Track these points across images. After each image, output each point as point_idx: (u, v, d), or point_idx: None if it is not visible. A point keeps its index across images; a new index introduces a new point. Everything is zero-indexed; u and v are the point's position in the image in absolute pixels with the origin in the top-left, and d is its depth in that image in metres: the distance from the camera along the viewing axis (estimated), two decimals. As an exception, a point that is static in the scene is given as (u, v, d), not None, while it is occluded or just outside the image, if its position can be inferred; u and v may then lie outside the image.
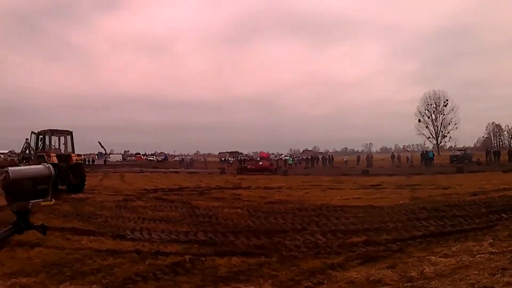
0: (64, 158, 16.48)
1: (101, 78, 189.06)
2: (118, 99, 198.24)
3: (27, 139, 18.78)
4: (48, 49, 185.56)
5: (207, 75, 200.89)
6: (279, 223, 8.47)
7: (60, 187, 16.00)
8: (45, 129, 17.37)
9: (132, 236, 7.24)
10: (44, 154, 15.95)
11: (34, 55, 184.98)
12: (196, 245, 6.53)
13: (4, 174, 1.30)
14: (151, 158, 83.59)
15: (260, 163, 39.20)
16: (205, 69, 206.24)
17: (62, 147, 17.69)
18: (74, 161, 16.69)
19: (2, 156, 50.62)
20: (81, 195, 15.13)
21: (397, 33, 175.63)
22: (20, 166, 18.04)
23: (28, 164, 17.47)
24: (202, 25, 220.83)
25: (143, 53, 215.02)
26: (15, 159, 24.04)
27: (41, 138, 17.44)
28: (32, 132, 17.95)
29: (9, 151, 52.59)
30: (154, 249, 6.12)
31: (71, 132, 17.65)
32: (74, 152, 17.28)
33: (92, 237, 7.08)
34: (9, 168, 1.38)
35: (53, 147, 17.34)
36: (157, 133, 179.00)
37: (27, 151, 19.13)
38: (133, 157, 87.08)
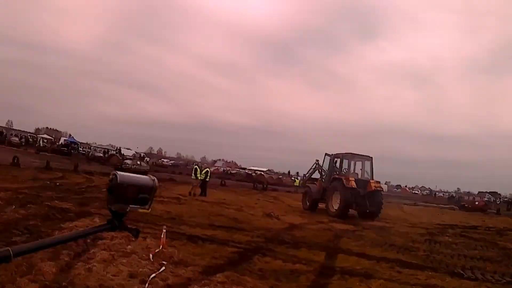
0: (362, 183, 16.22)
1: (361, 107, 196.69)
2: (377, 128, 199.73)
3: (317, 160, 20.01)
4: (312, 77, 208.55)
5: (467, 108, 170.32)
6: None
7: (350, 211, 16.09)
8: (342, 152, 17.83)
9: (468, 275, 6.82)
10: (343, 178, 16.17)
11: (297, 82, 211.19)
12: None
13: (112, 176, 1.08)
14: (416, 192, 78.58)
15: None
16: (466, 102, 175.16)
17: (359, 172, 17.58)
18: (373, 188, 16.18)
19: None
20: (377, 223, 14.56)
21: None
22: (307, 185, 20.47)
23: (317, 185, 18.52)
24: (463, 54, 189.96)
25: (405, 82, 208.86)
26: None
27: (336, 160, 18.02)
28: (327, 154, 18.87)
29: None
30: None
31: (371, 157, 17.34)
32: (373, 178, 16.79)
33: (429, 273, 6.76)
34: (118, 172, 1.04)
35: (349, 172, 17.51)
36: (416, 165, 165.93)
37: (316, 172, 20.33)
38: (398, 189, 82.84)
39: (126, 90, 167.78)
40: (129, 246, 5.98)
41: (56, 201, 10.19)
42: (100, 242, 6.09)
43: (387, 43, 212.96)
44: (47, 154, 38.10)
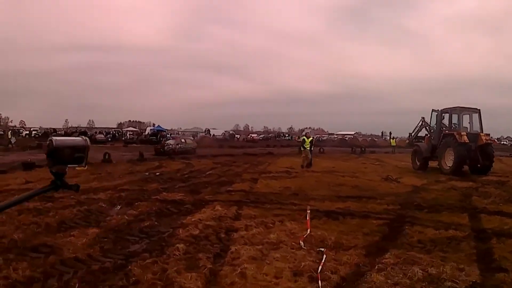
0: (473, 137, 15.54)
1: (439, 61, 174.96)
2: (456, 81, 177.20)
3: (423, 117, 19.28)
4: (386, 37, 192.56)
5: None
6: None
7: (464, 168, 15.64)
8: (451, 106, 17.02)
9: None
10: (455, 133, 15.61)
11: (373, 43, 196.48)
12: None
13: (48, 142, 1.25)
14: (504, 142, 70.74)
15: None
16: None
17: (467, 125, 16.76)
18: (484, 141, 15.43)
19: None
20: (491, 178, 14.14)
21: None
22: (415, 143, 19.76)
23: (424, 143, 17.99)
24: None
25: (478, 32, 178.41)
26: (407, 139, 25.44)
27: (444, 116, 17.27)
28: (433, 110, 18.11)
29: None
30: None
31: (479, 110, 16.44)
32: (482, 131, 15.97)
33: None
34: (53, 137, 1.28)
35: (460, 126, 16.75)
36: (500, 115, 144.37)
37: (422, 130, 19.65)
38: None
39: (206, 74, 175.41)
40: (271, 235, 5.65)
41: (164, 193, 9.54)
42: (235, 235, 5.69)
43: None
44: (136, 145, 38.59)
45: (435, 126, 17.77)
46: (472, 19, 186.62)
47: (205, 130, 53.25)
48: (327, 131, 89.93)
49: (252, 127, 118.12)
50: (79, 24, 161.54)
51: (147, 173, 14.20)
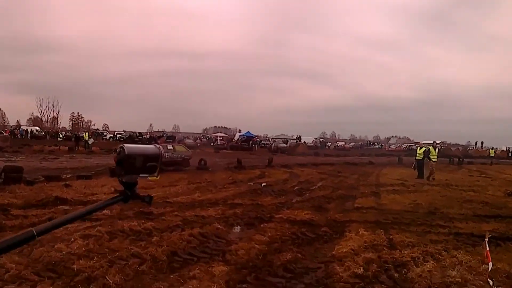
0: None
1: None
2: None
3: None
4: (469, 41, 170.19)
5: None
6: None
7: None
8: None
9: None
10: None
11: (456, 48, 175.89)
12: None
13: (119, 149, 1.13)
14: None
15: None
16: None
17: None
18: None
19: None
20: None
21: None
22: None
23: None
24: None
25: None
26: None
27: None
28: None
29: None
30: None
31: None
32: None
33: None
34: (125, 144, 1.14)
35: None
36: None
37: None
38: None
39: (291, 81, 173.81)
40: (450, 271, 4.40)
41: (286, 210, 7.96)
42: (409, 273, 4.40)
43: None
44: (227, 151, 37.46)
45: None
46: None
47: (296, 137, 50.92)
48: (412, 140, 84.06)
49: (339, 134, 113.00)
50: (165, 31, 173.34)
51: (261, 185, 12.48)
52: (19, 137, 42.38)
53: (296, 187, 12.40)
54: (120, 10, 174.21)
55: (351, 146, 64.19)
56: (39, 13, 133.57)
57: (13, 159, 18.44)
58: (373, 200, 10.27)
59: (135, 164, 1.13)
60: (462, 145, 72.61)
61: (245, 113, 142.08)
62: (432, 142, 18.74)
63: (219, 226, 6.13)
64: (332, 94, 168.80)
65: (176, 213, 7.08)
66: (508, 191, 12.10)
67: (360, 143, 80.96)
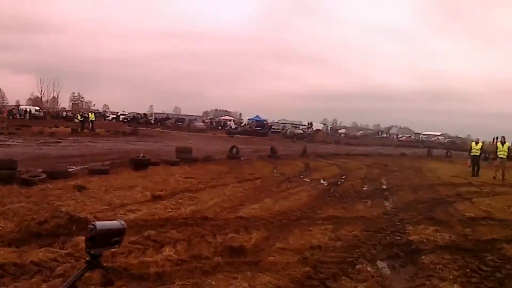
0: None
1: None
2: None
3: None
4: (475, 33, 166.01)
5: None
6: None
7: None
8: None
9: None
10: None
11: (460, 40, 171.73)
12: None
13: (91, 227, 1.31)
14: None
15: None
16: None
17: None
18: None
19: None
20: None
21: None
22: None
23: None
24: None
25: None
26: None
27: None
28: None
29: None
30: None
31: None
32: None
33: None
34: (96, 222, 1.34)
35: None
36: None
37: None
38: None
39: (293, 66, 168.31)
40: None
41: (411, 227, 5.87)
42: None
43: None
44: (240, 136, 35.49)
45: None
46: None
47: (308, 124, 48.01)
48: (413, 130, 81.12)
49: (340, 121, 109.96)
50: (165, 12, 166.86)
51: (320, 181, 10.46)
52: (18, 117, 39.50)
53: (374, 188, 10.13)
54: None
55: (360, 135, 61.61)
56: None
57: (8, 142, 15.69)
58: (472, 206, 8.28)
59: (104, 239, 1.27)
60: (463, 138, 71.44)
61: (245, 96, 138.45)
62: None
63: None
64: (335, 80, 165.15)
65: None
66: None
67: (369, 131, 78.15)
